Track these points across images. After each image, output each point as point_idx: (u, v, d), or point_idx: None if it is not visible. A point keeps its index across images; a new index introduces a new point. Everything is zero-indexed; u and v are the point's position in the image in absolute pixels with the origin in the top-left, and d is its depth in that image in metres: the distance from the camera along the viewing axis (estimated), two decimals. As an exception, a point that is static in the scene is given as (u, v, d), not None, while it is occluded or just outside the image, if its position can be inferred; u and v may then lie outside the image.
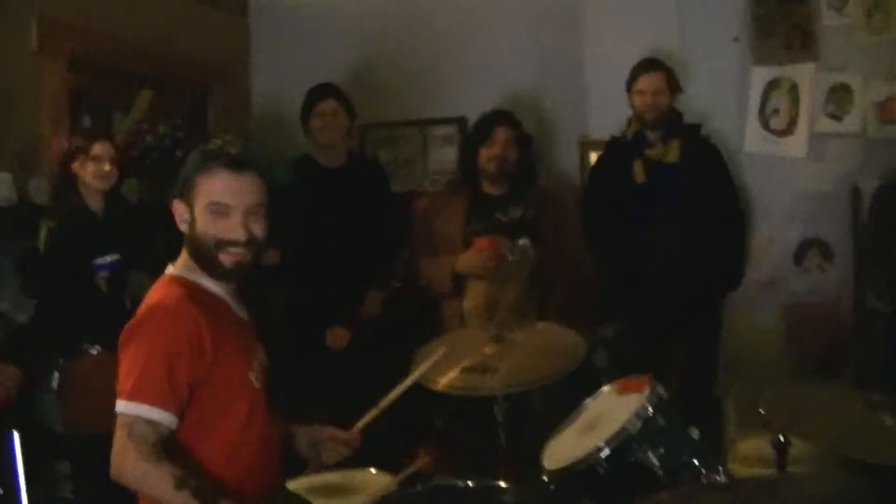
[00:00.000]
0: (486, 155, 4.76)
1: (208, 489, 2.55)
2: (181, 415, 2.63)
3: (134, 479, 2.55)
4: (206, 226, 2.73)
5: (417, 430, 5.28)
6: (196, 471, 2.61)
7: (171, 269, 2.84)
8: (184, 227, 2.78)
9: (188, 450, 2.66)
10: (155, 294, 2.73)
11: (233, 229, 2.73)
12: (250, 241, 2.75)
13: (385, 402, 3.24)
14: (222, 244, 2.73)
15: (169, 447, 2.58)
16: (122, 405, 2.57)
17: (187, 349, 2.62)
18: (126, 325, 2.68)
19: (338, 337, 4.90)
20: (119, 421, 2.57)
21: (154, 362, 2.59)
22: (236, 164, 2.75)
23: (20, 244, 4.29)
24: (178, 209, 2.78)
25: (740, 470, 3.37)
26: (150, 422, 2.55)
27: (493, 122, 4.82)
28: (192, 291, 2.74)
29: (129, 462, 2.53)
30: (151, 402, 2.56)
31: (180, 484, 2.49)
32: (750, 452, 4.20)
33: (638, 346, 4.85)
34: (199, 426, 2.68)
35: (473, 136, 4.92)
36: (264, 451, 2.85)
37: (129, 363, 2.62)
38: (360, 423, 3.18)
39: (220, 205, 2.72)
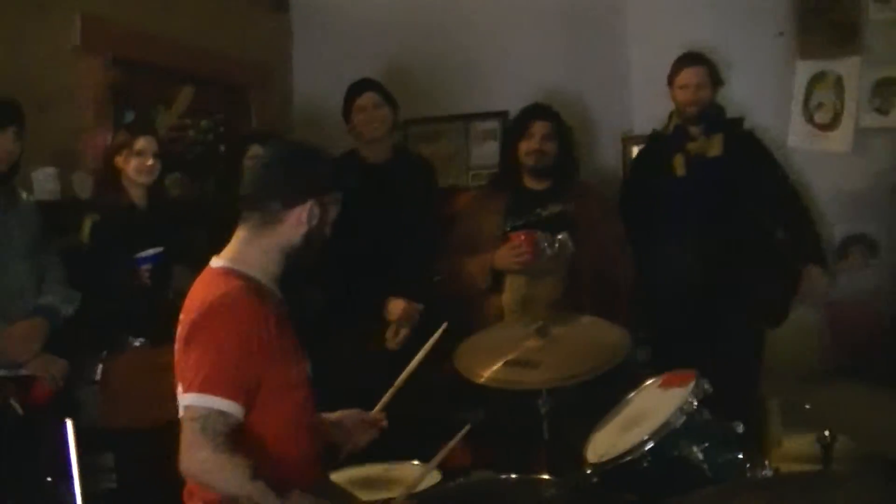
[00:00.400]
0: (525, 149, 4.75)
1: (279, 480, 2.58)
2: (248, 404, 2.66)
3: (207, 471, 2.56)
4: (326, 230, 2.87)
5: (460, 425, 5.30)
6: (261, 456, 2.64)
7: (219, 263, 2.85)
8: (304, 227, 2.80)
9: (251, 434, 2.68)
10: (215, 287, 2.73)
11: (329, 230, 2.91)
12: None
13: (400, 380, 3.29)
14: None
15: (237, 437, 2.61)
16: (192, 398, 2.59)
17: (255, 340, 2.65)
18: (192, 320, 2.68)
19: (397, 307, 4.78)
20: (189, 414, 2.58)
21: (225, 355, 2.62)
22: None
23: (64, 238, 4.32)
24: (314, 209, 2.80)
25: (784, 468, 3.34)
26: (222, 413, 2.57)
27: (529, 116, 4.82)
28: (251, 284, 2.76)
29: (202, 455, 2.54)
30: (223, 395, 2.58)
31: (255, 474, 2.53)
32: (794, 450, 4.17)
33: (679, 343, 4.82)
34: (262, 412, 2.70)
35: (511, 131, 4.93)
36: (315, 439, 2.90)
37: (198, 356, 2.63)
38: (381, 404, 3.23)
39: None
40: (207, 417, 2.55)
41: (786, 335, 5.20)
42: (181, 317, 2.81)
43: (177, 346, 2.79)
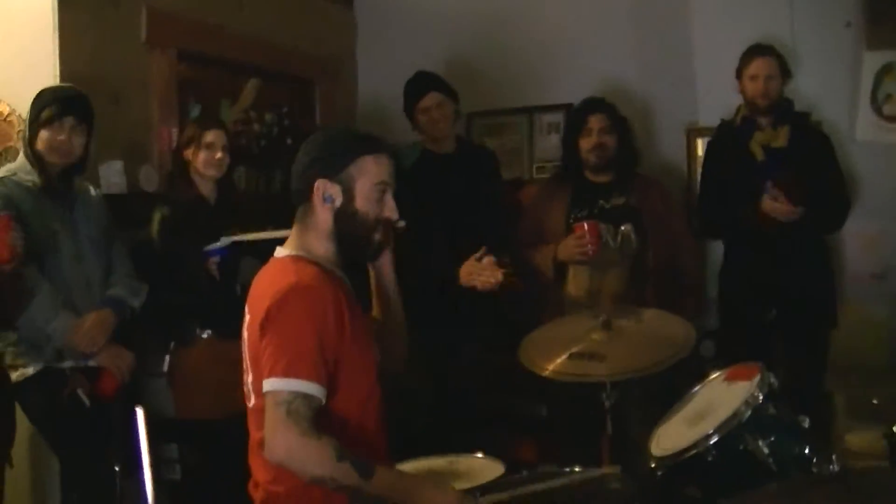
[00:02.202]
0: (585, 146, 4.76)
1: (362, 458, 2.60)
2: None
3: (294, 455, 2.57)
4: (370, 204, 2.84)
5: (523, 418, 5.31)
6: (343, 436, 2.65)
7: (286, 251, 2.89)
8: (328, 207, 2.83)
9: (332, 415, 2.71)
10: (288, 274, 2.76)
11: (391, 209, 2.87)
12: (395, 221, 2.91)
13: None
14: (379, 222, 2.86)
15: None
16: (275, 383, 2.60)
17: (332, 323, 2.69)
18: (267, 307, 2.69)
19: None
20: (272, 399, 2.60)
21: (305, 338, 2.64)
22: (391, 150, 2.91)
23: (132, 232, 4.38)
24: (327, 188, 2.82)
25: (851, 463, 3.31)
26: (306, 396, 2.59)
27: (586, 111, 4.83)
28: (321, 269, 2.80)
29: (289, 438, 2.56)
30: (307, 377, 2.60)
31: (341, 455, 2.55)
32: (861, 446, 4.13)
33: (745, 337, 4.79)
34: (341, 393, 2.74)
35: (569, 128, 4.92)
36: (381, 425, 2.92)
37: (278, 341, 2.65)
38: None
39: (385, 184, 2.85)
40: (292, 401, 2.57)
41: (852, 330, 5.14)
42: (250, 306, 2.85)
43: (248, 334, 2.83)
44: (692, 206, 5.34)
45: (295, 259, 2.84)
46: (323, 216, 2.84)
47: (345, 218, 2.83)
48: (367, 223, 2.84)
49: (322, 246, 2.87)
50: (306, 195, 2.85)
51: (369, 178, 2.83)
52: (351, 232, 2.85)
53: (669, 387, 3.42)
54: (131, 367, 4.07)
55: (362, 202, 2.82)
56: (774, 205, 4.57)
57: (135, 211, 4.49)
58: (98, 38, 4.67)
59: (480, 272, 4.52)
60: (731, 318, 4.98)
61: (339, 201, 2.82)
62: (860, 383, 4.70)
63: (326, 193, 2.82)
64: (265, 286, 2.81)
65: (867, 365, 4.91)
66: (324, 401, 2.64)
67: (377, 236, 2.89)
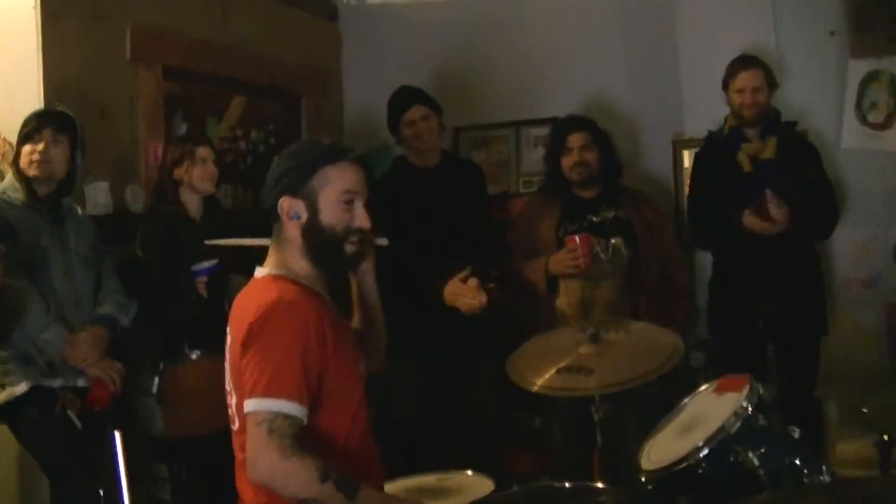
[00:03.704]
0: (567, 164, 4.76)
1: (347, 477, 2.57)
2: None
3: (276, 476, 2.54)
4: (337, 216, 2.77)
5: (515, 431, 5.31)
6: (330, 456, 2.63)
7: (266, 271, 2.85)
8: (295, 223, 2.78)
9: (318, 435, 2.68)
10: (268, 292, 2.73)
11: (362, 218, 2.79)
12: (368, 231, 2.84)
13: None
14: (350, 233, 2.79)
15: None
16: (256, 403, 2.57)
17: (315, 341, 2.65)
18: (248, 324, 2.66)
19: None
20: (253, 419, 2.56)
21: (287, 357, 2.60)
22: (358, 158, 2.83)
23: (119, 250, 4.37)
24: (291, 205, 2.77)
25: (842, 472, 3.31)
26: (287, 416, 2.55)
27: (565, 130, 4.83)
28: (301, 287, 2.77)
29: (270, 459, 2.52)
30: (288, 397, 2.56)
31: (324, 476, 2.51)
32: (852, 454, 4.14)
33: (736, 346, 4.79)
34: (326, 412, 2.71)
35: (550, 147, 4.90)
36: (370, 439, 2.90)
37: (259, 359, 2.61)
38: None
39: (352, 193, 2.78)
40: (273, 421, 2.53)
41: (844, 338, 5.15)
42: (231, 326, 2.82)
43: (230, 353, 2.80)
44: (680, 218, 5.34)
45: (274, 278, 2.80)
46: (293, 233, 2.80)
47: (313, 233, 2.78)
48: (335, 235, 2.78)
49: (298, 263, 2.82)
50: (276, 214, 2.81)
51: (333, 188, 2.77)
52: (321, 246, 2.79)
53: (662, 398, 3.41)
54: (121, 376, 4.04)
55: (328, 215, 2.77)
56: (753, 220, 4.59)
57: (121, 231, 4.48)
58: (83, 55, 4.66)
59: (464, 294, 4.54)
60: (721, 327, 4.97)
61: (304, 216, 2.77)
62: (851, 391, 4.70)
63: (292, 210, 2.77)
64: (246, 306, 2.77)
65: (858, 373, 4.91)
66: (305, 420, 2.60)
67: (350, 247, 2.81)
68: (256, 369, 2.61)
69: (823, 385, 4.85)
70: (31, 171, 3.96)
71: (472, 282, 4.52)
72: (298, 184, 2.77)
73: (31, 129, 3.96)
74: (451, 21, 6.20)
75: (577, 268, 4.52)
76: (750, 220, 4.61)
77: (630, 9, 5.82)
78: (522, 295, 4.82)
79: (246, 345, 2.66)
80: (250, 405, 2.58)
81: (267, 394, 2.56)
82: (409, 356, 4.44)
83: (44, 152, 3.95)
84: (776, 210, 4.54)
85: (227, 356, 2.82)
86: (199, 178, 4.44)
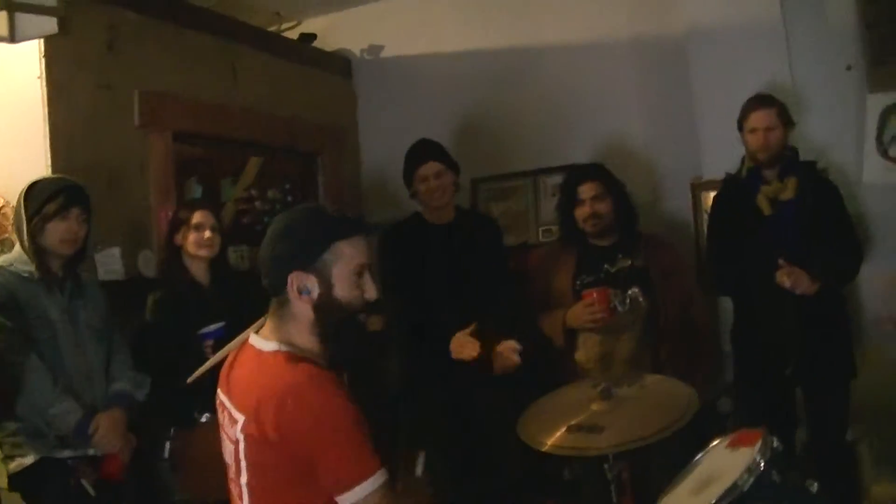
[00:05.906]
0: (580, 216, 4.70)
1: None
2: None
3: None
4: (350, 290, 2.69)
5: (546, 482, 5.23)
6: None
7: (271, 346, 2.71)
8: (306, 298, 2.66)
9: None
10: (289, 376, 2.60)
11: (371, 290, 2.74)
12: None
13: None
14: (364, 307, 2.73)
15: None
16: (356, 493, 2.51)
17: (353, 409, 2.56)
18: (289, 418, 2.53)
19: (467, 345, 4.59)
20: None
21: (352, 433, 2.54)
22: (369, 228, 2.82)
23: (131, 317, 4.36)
24: (302, 280, 2.65)
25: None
26: (383, 485, 2.52)
27: (575, 181, 4.77)
28: (314, 364, 2.66)
29: None
30: (375, 469, 2.52)
31: None
32: (887, 497, 4.03)
33: (763, 392, 4.68)
34: None
35: (562, 199, 4.85)
36: None
37: (335, 453, 2.53)
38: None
39: (364, 265, 2.71)
40: (383, 498, 2.52)
41: (876, 376, 5.03)
42: (240, 406, 2.68)
43: (244, 436, 2.64)
44: (700, 261, 5.26)
45: (288, 357, 2.65)
46: (301, 308, 2.68)
47: (325, 308, 2.67)
48: (350, 309, 2.70)
49: (305, 339, 2.70)
50: (281, 288, 2.68)
51: (346, 263, 2.67)
52: (334, 320, 2.69)
53: (687, 447, 3.33)
54: (132, 447, 4.04)
55: (342, 289, 2.67)
56: (788, 280, 4.47)
57: (134, 297, 4.47)
58: (90, 123, 4.69)
59: (462, 346, 4.51)
60: (746, 373, 4.86)
61: (316, 292, 2.67)
62: (884, 431, 4.60)
63: (302, 286, 2.65)
64: (262, 385, 2.63)
65: (889, 414, 4.79)
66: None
67: (363, 317, 2.75)
68: (333, 461, 2.53)
69: (855, 424, 4.74)
70: (64, 250, 3.97)
71: (462, 335, 4.52)
72: (310, 258, 2.66)
73: (60, 206, 3.93)
74: (465, 72, 6.21)
75: (596, 322, 4.48)
76: (785, 279, 4.49)
77: (644, 53, 5.81)
78: (545, 346, 4.74)
79: (287, 437, 2.55)
80: (349, 498, 2.51)
81: (361, 479, 2.51)
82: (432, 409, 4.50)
83: (75, 232, 3.97)
84: (788, 281, 4.44)
85: (232, 436, 2.70)
86: (193, 245, 4.45)
